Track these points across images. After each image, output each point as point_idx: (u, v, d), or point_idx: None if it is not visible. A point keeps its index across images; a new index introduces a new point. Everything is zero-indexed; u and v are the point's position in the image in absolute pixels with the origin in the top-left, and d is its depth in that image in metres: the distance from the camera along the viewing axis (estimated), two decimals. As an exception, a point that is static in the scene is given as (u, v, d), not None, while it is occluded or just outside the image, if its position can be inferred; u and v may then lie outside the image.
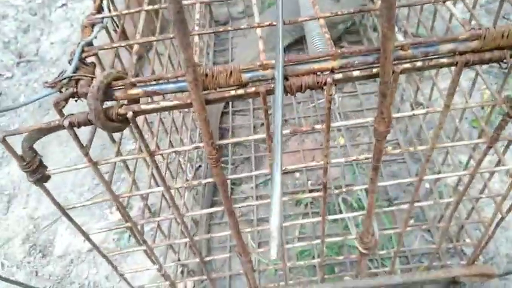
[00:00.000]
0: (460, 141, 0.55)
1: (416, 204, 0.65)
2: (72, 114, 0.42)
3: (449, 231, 0.98)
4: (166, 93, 0.43)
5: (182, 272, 0.94)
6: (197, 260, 0.75)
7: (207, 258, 0.91)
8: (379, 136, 0.47)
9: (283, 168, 0.40)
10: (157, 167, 0.53)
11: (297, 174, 1.16)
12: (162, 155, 0.83)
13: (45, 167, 0.48)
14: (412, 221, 1.03)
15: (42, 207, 1.15)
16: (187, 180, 1.02)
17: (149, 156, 0.53)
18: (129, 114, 0.41)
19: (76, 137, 0.44)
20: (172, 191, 0.59)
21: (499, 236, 0.99)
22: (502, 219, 0.68)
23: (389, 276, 0.78)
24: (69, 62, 0.45)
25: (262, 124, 1.26)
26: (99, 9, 0.53)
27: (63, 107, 0.42)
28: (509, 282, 0.92)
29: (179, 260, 0.93)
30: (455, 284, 0.85)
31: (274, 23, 0.46)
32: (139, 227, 0.67)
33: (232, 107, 1.33)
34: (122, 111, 0.42)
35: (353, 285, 0.78)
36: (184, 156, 1.04)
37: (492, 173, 0.72)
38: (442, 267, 0.84)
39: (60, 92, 0.42)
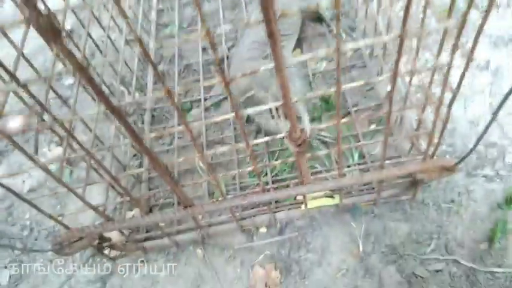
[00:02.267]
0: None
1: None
2: None
3: (408, 129, 0.89)
4: None
5: (123, 202, 0.87)
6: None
7: (152, 192, 0.84)
8: None
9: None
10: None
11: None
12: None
13: None
14: (373, 126, 0.94)
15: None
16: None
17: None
18: None
19: None
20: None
21: (468, 133, 0.90)
22: (454, 97, 0.59)
23: (337, 179, 0.70)
24: None
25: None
26: None
27: None
28: (477, 179, 0.85)
29: (119, 193, 0.86)
30: (416, 183, 0.78)
31: None
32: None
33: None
34: None
35: (296, 192, 0.70)
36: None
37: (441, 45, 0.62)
38: (397, 164, 0.76)
39: None
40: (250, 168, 0.70)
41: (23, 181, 0.98)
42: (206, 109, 1.05)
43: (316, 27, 1.13)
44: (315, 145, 0.92)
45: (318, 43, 1.10)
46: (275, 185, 0.87)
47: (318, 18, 1.13)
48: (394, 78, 0.54)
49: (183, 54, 1.17)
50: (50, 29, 0.36)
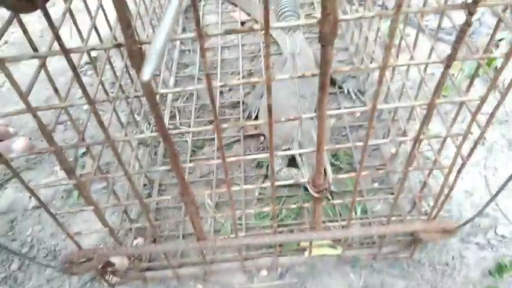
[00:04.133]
0: (415, 61, 0.50)
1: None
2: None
3: (411, 189, 0.94)
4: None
5: (131, 229, 0.89)
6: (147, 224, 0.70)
7: (156, 222, 0.86)
8: (324, 40, 0.42)
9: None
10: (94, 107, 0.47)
11: (262, 138, 1.12)
12: (107, 94, 0.78)
13: None
14: (376, 185, 1.00)
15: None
16: (141, 132, 0.96)
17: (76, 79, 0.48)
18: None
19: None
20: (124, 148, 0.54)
21: (463, 201, 0.96)
22: (463, 165, 0.65)
23: (346, 229, 0.74)
24: None
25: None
26: None
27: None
28: (471, 245, 0.90)
29: (130, 219, 0.87)
30: (415, 242, 0.82)
31: None
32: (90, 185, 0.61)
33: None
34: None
35: (307, 237, 0.74)
36: (140, 110, 0.98)
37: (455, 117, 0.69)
38: (401, 222, 0.80)
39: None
40: (267, 209, 0.73)
41: (30, 197, 0.99)
42: (218, 148, 1.09)
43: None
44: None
45: (328, 103, 1.18)
46: (279, 229, 0.90)
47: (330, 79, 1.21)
48: (414, 144, 0.60)
49: (200, 95, 1.23)
50: (140, 58, 0.41)
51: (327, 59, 0.44)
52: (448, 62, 0.47)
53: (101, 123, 0.50)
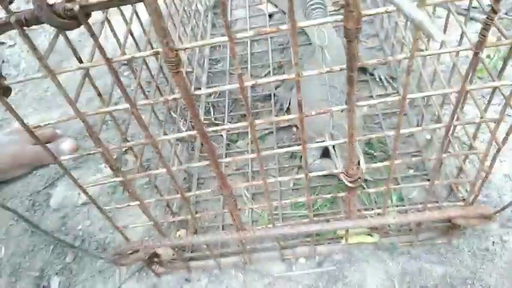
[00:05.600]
0: (444, 49, 0.50)
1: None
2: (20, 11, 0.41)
3: (447, 175, 0.94)
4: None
5: (173, 222, 0.93)
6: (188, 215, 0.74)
7: (197, 215, 0.90)
8: (349, 36, 0.43)
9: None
10: (134, 108, 0.51)
11: (294, 129, 1.13)
12: (146, 97, 0.82)
13: (3, 77, 0.46)
14: (411, 171, 0.99)
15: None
16: (178, 131, 1.00)
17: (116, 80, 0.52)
18: (76, 8, 0.39)
19: (27, 38, 0.42)
20: (163, 144, 0.57)
21: (503, 185, 0.94)
22: (499, 150, 0.64)
23: (382, 217, 0.75)
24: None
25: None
26: None
27: (11, 2, 0.40)
28: (511, 230, 0.88)
29: (172, 212, 0.92)
30: (453, 228, 0.82)
31: None
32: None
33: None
34: (69, 5, 0.39)
35: (343, 226, 0.75)
36: (176, 108, 1.02)
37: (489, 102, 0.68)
38: (438, 208, 0.80)
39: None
40: (302, 199, 0.75)
41: (79, 194, 1.06)
42: (252, 141, 1.12)
43: (359, 75, 1.21)
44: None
45: (360, 90, 1.17)
46: (315, 219, 0.92)
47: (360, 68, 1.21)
48: (446, 133, 0.60)
49: (233, 90, 1.25)
50: (176, 63, 0.43)
51: (352, 54, 0.45)
52: (477, 49, 0.47)
53: (143, 126, 0.54)
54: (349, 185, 0.66)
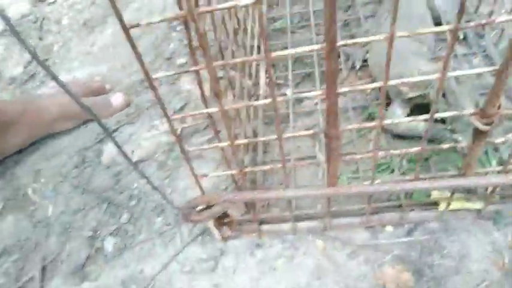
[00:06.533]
0: None
1: None
2: None
3: None
4: None
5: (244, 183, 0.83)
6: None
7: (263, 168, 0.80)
8: None
9: None
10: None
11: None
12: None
13: None
14: None
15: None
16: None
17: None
18: None
19: None
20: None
21: None
22: None
23: (503, 176, 0.63)
24: None
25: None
26: None
27: None
28: None
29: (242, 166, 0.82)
30: None
31: None
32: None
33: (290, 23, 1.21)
34: None
35: (455, 184, 0.64)
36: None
37: None
38: None
39: None
40: (413, 149, 0.63)
41: (132, 151, 0.97)
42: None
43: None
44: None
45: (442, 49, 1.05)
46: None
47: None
48: None
49: (295, 47, 1.15)
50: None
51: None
52: None
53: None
54: (482, 128, 0.55)
